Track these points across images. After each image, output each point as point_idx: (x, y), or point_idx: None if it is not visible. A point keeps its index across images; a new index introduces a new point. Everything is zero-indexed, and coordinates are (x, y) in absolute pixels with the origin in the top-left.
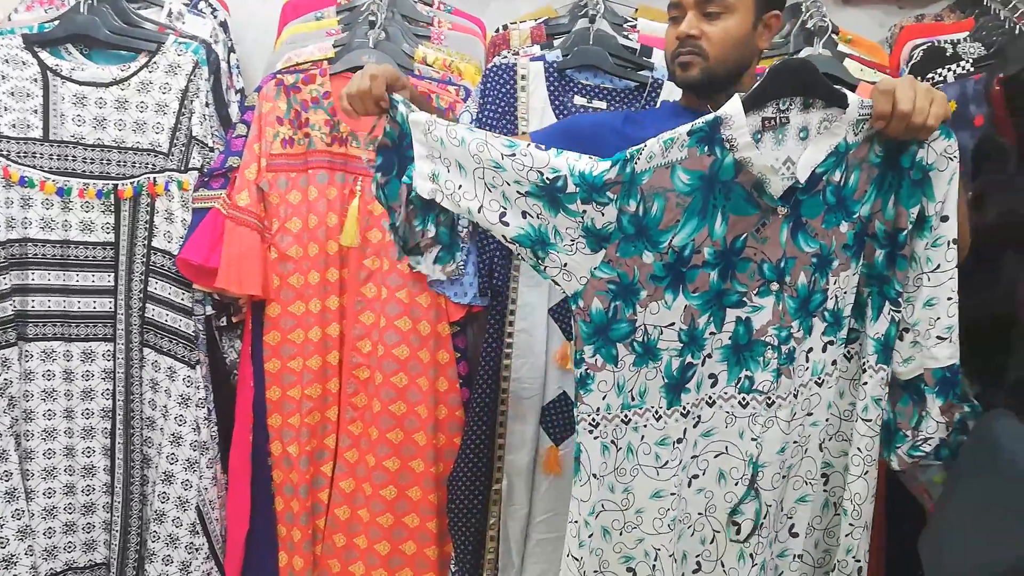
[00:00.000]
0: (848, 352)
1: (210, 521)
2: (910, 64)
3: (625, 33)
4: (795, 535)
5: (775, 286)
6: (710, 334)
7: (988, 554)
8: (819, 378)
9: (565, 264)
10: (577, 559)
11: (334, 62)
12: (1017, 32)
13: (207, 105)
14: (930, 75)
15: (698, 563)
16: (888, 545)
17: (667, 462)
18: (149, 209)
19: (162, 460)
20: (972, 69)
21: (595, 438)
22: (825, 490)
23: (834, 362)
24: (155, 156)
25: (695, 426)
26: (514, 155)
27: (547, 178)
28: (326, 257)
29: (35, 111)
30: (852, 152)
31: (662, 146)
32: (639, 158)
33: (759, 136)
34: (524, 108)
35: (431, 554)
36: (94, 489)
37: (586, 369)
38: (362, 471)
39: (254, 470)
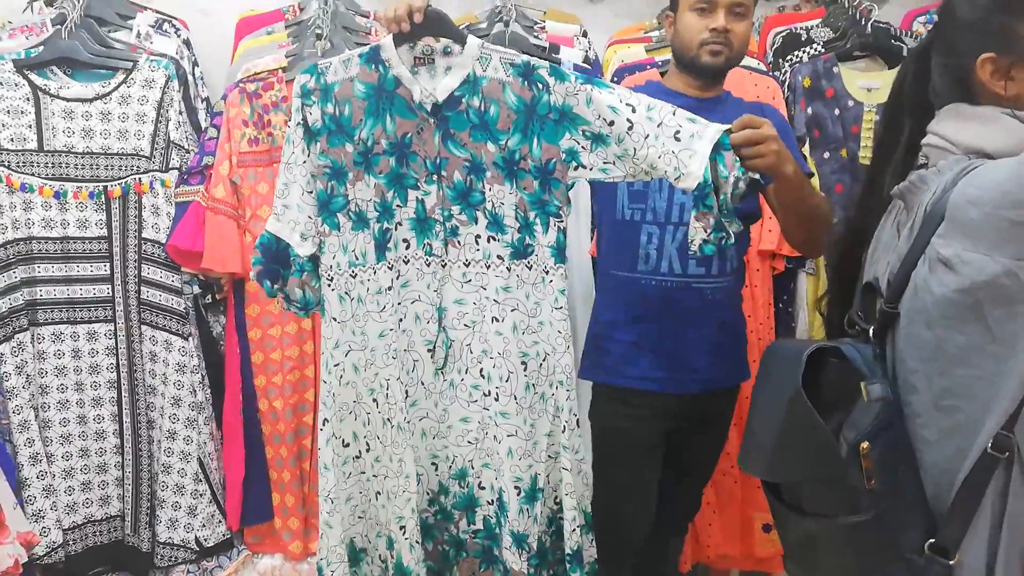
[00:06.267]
0: (529, 263)
1: (210, 471)
2: (773, 48)
3: (535, 34)
4: (484, 377)
5: (435, 177)
6: (397, 207)
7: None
8: (487, 262)
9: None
10: (332, 393)
11: (288, 70)
12: (858, 18)
13: (180, 113)
14: (789, 56)
15: (406, 390)
16: None
17: (384, 306)
18: (137, 205)
19: (165, 420)
20: (823, 50)
21: (332, 290)
22: (526, 375)
23: (500, 257)
24: (139, 159)
25: (397, 278)
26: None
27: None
28: None
29: (29, 126)
30: (484, 85)
31: (342, 64)
32: (328, 72)
33: (416, 71)
34: None
35: None
36: (105, 451)
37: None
38: None
39: (245, 424)
